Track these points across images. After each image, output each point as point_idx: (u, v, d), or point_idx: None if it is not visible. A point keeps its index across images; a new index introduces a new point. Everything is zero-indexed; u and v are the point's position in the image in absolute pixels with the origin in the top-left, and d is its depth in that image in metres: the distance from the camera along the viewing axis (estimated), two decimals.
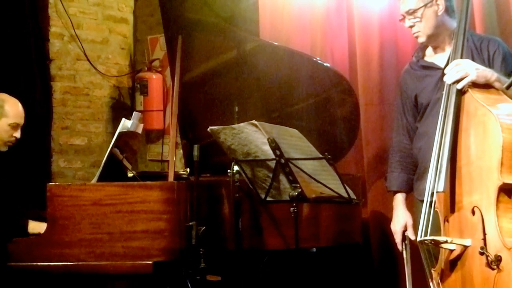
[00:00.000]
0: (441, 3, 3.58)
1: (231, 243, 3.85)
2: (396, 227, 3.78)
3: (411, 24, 3.62)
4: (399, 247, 3.77)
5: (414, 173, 3.80)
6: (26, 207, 4.29)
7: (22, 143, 4.43)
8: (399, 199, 3.83)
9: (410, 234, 3.74)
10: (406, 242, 3.75)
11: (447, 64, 3.43)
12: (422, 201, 3.33)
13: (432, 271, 3.31)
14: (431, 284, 3.32)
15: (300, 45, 4.96)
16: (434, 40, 3.64)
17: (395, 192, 3.85)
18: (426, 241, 3.21)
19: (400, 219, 3.78)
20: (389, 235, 3.97)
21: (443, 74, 3.41)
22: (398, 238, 3.77)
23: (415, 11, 3.57)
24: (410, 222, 3.75)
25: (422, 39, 3.64)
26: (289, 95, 4.62)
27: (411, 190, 3.83)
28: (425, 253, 3.37)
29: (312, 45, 5.02)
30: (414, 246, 3.69)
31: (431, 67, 3.67)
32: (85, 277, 3.74)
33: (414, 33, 3.65)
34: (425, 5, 3.56)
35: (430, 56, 3.72)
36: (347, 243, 4.45)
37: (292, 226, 3.50)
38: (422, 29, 3.60)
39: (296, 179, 3.43)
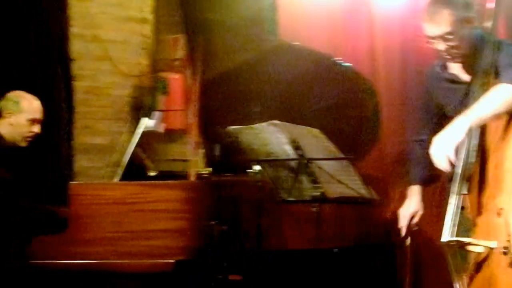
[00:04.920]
0: (474, 17, 3.44)
1: (252, 243, 3.86)
2: (405, 211, 3.78)
3: (446, 47, 3.44)
4: (403, 230, 3.77)
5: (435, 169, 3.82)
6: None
7: (44, 142, 4.45)
8: (415, 190, 3.82)
9: (414, 221, 3.76)
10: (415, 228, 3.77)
11: (472, 79, 3.40)
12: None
13: (464, 276, 3.28)
14: (455, 286, 3.30)
15: (321, 44, 4.95)
16: (467, 57, 3.50)
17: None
18: (451, 243, 3.20)
19: (411, 205, 3.78)
20: (412, 236, 3.96)
21: (468, 88, 3.39)
22: (403, 222, 3.77)
23: (452, 33, 3.39)
24: (421, 212, 3.76)
25: (459, 60, 3.50)
26: (310, 95, 4.61)
27: (429, 183, 3.83)
28: (451, 256, 3.34)
29: (332, 44, 5.01)
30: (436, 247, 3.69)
31: (455, 81, 3.61)
32: (106, 275, 3.75)
33: (450, 56, 3.49)
34: (461, 25, 3.39)
35: (454, 68, 3.61)
36: (369, 243, 4.44)
37: (314, 226, 3.51)
38: (459, 50, 3.44)
39: (318, 179, 3.44)
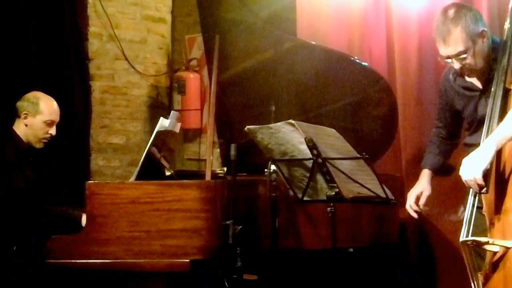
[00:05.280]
0: (485, 30, 3.44)
1: (268, 242, 3.85)
2: (412, 192, 3.88)
3: (461, 65, 3.46)
4: (409, 210, 3.85)
5: (448, 158, 3.93)
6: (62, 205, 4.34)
7: (61, 141, 4.48)
8: (425, 173, 3.93)
9: (421, 201, 3.83)
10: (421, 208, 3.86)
11: (484, 86, 3.47)
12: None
13: (479, 274, 3.26)
14: (472, 285, 3.29)
15: (338, 44, 4.94)
16: (483, 69, 3.52)
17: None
18: (468, 242, 3.19)
19: (418, 186, 3.88)
20: (427, 235, 3.96)
21: (481, 95, 3.46)
22: (409, 202, 3.85)
23: (466, 51, 3.41)
24: (426, 193, 3.85)
25: (474, 75, 3.52)
26: (326, 95, 4.60)
27: (441, 173, 3.95)
28: (469, 255, 3.32)
29: (349, 44, 5.00)
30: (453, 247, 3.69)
31: (471, 89, 3.61)
32: (122, 275, 3.76)
33: (465, 72, 3.51)
34: (474, 41, 3.40)
35: (469, 75, 3.61)
36: (384, 243, 4.43)
37: (329, 225, 3.50)
38: (474, 65, 3.45)
39: (334, 179, 3.42)
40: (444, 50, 3.45)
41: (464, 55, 3.41)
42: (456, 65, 3.46)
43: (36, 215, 4.04)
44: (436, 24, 3.47)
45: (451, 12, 3.43)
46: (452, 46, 3.41)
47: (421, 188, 3.87)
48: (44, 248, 3.78)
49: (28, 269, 3.89)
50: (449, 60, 3.47)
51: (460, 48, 3.40)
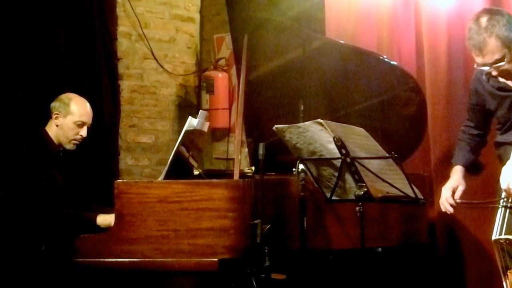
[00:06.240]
0: None
1: (296, 242, 3.84)
2: (447, 185, 3.82)
3: (498, 72, 3.45)
4: (443, 204, 3.78)
5: (478, 156, 3.91)
6: (91, 204, 4.37)
7: (90, 140, 4.50)
8: (457, 168, 3.89)
9: (457, 195, 3.76)
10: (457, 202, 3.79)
11: None
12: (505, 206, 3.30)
13: (508, 273, 3.26)
14: (504, 284, 3.28)
15: (367, 42, 4.92)
16: None
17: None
18: (501, 241, 3.19)
19: (452, 181, 3.82)
20: (456, 235, 3.93)
21: None
22: (444, 195, 3.79)
23: (503, 59, 3.39)
24: (462, 187, 3.80)
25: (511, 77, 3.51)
26: (355, 94, 4.59)
27: (471, 170, 3.91)
28: (500, 253, 3.31)
29: (378, 42, 4.98)
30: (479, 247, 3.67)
31: (504, 89, 3.58)
32: (150, 274, 3.77)
33: (504, 78, 3.50)
34: (509, 48, 3.39)
35: (506, 78, 3.59)
36: (414, 243, 4.40)
37: (358, 225, 3.48)
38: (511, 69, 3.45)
39: (362, 178, 3.41)
40: (481, 60, 3.43)
41: (502, 63, 3.38)
42: (494, 72, 3.45)
43: (36, 215, 4.03)
44: (469, 34, 3.43)
45: (484, 20, 3.39)
46: (489, 55, 3.39)
47: (456, 182, 3.82)
48: (73, 247, 3.80)
49: (28, 269, 3.90)
50: (485, 68, 3.44)
51: (497, 56, 3.38)
